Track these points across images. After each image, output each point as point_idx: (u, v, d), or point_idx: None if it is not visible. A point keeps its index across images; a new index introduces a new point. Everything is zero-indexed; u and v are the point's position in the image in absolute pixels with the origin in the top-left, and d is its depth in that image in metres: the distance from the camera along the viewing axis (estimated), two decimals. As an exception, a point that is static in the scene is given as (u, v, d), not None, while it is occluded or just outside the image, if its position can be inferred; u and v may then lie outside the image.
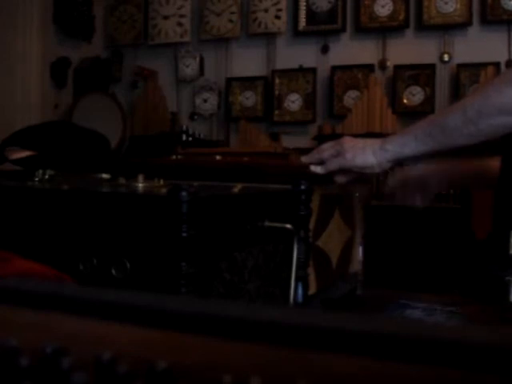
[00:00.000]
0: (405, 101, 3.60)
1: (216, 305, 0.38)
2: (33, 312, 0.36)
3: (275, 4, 3.80)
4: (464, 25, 3.51)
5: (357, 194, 1.39)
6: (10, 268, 0.68)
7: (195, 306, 0.37)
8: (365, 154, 1.09)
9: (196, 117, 4.02)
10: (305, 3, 3.78)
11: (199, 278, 0.78)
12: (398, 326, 0.32)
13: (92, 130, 1.67)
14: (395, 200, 1.37)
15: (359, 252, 1.40)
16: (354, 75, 3.71)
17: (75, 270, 0.82)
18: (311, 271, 1.08)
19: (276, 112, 3.84)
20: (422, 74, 3.57)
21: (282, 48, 3.88)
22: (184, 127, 3.89)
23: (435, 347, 0.29)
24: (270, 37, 3.86)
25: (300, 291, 1.03)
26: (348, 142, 1.13)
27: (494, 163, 1.29)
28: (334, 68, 3.73)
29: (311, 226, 1.07)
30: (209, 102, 3.99)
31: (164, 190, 0.91)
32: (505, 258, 1.11)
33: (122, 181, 1.11)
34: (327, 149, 1.14)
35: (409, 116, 3.43)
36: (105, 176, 1.22)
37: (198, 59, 4.01)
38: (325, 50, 3.76)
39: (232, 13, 3.90)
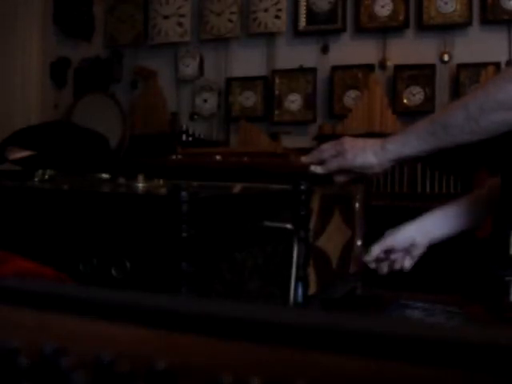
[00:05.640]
0: (405, 101, 3.60)
1: (216, 305, 0.38)
2: (33, 312, 0.36)
3: (275, 4, 3.80)
4: (464, 25, 3.50)
5: (358, 196, 1.39)
6: (10, 268, 0.68)
7: (195, 306, 0.37)
8: (365, 154, 1.09)
9: (196, 117, 4.02)
10: (305, 3, 3.78)
11: (199, 277, 0.78)
12: (398, 325, 0.32)
13: (92, 130, 1.67)
14: (380, 270, 1.24)
15: (360, 252, 1.40)
16: (354, 75, 3.71)
17: (75, 270, 0.82)
18: (311, 271, 1.08)
19: (276, 112, 3.84)
20: (422, 74, 3.57)
21: (282, 48, 3.87)
22: (184, 127, 3.88)
23: (435, 347, 0.29)
24: (269, 37, 3.86)
25: (300, 291, 1.03)
26: (348, 142, 1.13)
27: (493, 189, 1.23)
28: (334, 68, 3.73)
29: (311, 226, 1.07)
30: (209, 102, 3.99)
31: (164, 190, 0.92)
32: (505, 257, 1.11)
33: (121, 181, 1.11)
34: (327, 149, 1.14)
35: (409, 116, 3.43)
36: (105, 176, 1.22)
37: (197, 59, 4.01)
38: (325, 50, 3.76)
39: (232, 13, 3.89)
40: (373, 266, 1.23)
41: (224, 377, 0.28)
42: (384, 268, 1.23)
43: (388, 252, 1.22)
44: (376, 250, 1.20)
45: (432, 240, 1.26)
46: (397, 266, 1.23)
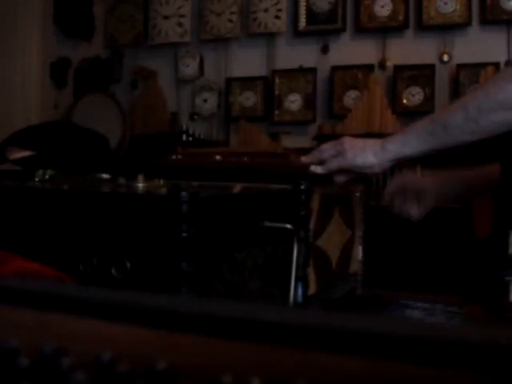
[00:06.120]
0: (404, 101, 3.60)
1: (216, 305, 0.38)
2: (33, 312, 0.36)
3: (275, 4, 3.80)
4: (463, 25, 3.50)
5: (357, 194, 1.39)
6: (10, 268, 0.68)
7: (195, 306, 0.37)
8: (365, 154, 1.09)
9: (196, 117, 4.02)
10: (305, 3, 3.78)
11: (199, 278, 0.78)
12: (398, 325, 0.32)
13: (92, 130, 1.67)
14: (393, 208, 1.32)
15: (359, 252, 1.40)
16: (354, 75, 3.71)
17: (75, 270, 0.82)
18: (311, 271, 1.08)
19: (276, 112, 3.84)
20: (422, 74, 3.57)
21: (282, 48, 3.87)
22: (184, 127, 3.88)
23: (435, 347, 0.29)
24: (269, 37, 3.86)
25: (300, 291, 1.03)
26: (348, 142, 1.13)
27: (495, 169, 1.27)
28: (334, 68, 3.73)
29: (311, 226, 1.07)
30: (209, 102, 3.99)
31: (164, 190, 0.92)
32: (504, 257, 1.11)
33: (122, 181, 1.11)
34: (327, 149, 1.14)
35: (409, 116, 3.43)
36: (105, 176, 1.22)
37: (197, 59, 4.01)
38: (325, 50, 3.76)
39: (232, 13, 3.89)
40: (387, 198, 1.31)
41: (224, 377, 0.28)
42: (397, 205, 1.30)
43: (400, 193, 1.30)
44: (391, 187, 1.32)
45: (439, 193, 1.33)
46: (406, 208, 1.30)
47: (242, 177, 1.22)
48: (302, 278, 1.03)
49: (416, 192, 1.30)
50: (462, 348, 0.28)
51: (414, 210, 1.30)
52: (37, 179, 1.13)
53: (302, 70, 3.80)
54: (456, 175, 1.38)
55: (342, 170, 1.13)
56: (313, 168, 1.14)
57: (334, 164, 1.12)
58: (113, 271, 0.80)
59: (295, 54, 3.81)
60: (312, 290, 1.09)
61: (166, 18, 4.03)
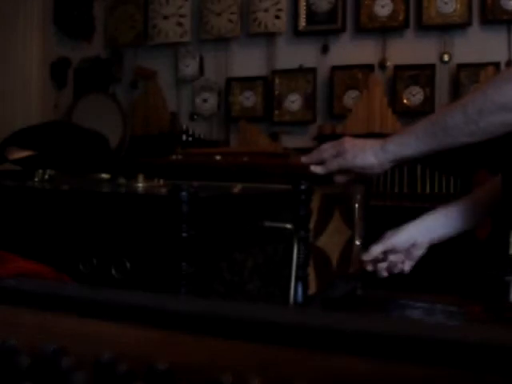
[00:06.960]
0: (405, 101, 3.59)
1: (216, 305, 0.38)
2: (33, 312, 0.36)
3: (275, 4, 3.80)
4: (464, 25, 3.50)
5: (357, 194, 1.39)
6: (10, 268, 0.68)
7: (195, 305, 0.37)
8: (365, 155, 1.09)
9: (196, 117, 4.02)
10: (305, 3, 3.78)
11: (199, 277, 0.78)
12: (398, 326, 0.32)
13: (92, 129, 1.67)
14: (380, 272, 1.22)
15: (359, 252, 1.40)
16: (354, 75, 3.71)
17: (75, 270, 0.82)
18: (311, 271, 1.08)
19: (276, 112, 3.84)
20: (422, 74, 3.57)
21: (282, 48, 3.87)
22: (184, 127, 3.88)
23: (435, 347, 0.29)
24: (269, 37, 3.86)
25: (300, 291, 1.03)
26: (348, 142, 1.13)
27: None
28: (334, 68, 3.73)
29: (311, 226, 1.07)
30: (209, 102, 3.99)
31: (164, 190, 0.92)
32: (505, 257, 1.11)
33: (122, 181, 1.11)
34: (327, 149, 1.14)
35: (409, 116, 3.43)
36: (105, 176, 1.22)
37: (197, 59, 4.00)
38: (325, 50, 3.76)
39: (232, 13, 3.89)
40: (370, 268, 1.22)
41: (224, 377, 0.28)
42: (383, 271, 1.22)
43: (386, 253, 1.21)
44: (376, 249, 1.19)
45: (432, 240, 1.25)
46: (396, 270, 1.22)
47: (242, 177, 1.22)
48: (302, 278, 1.03)
49: (406, 248, 1.22)
50: (462, 348, 0.28)
51: (406, 266, 1.22)
52: (37, 179, 1.13)
53: (301, 70, 3.80)
54: (467, 199, 1.26)
55: (342, 170, 1.13)
56: (313, 168, 1.14)
57: (334, 164, 1.12)
58: (113, 271, 0.80)
59: (295, 54, 3.81)
60: (312, 289, 1.09)
61: (165, 18, 4.02)
